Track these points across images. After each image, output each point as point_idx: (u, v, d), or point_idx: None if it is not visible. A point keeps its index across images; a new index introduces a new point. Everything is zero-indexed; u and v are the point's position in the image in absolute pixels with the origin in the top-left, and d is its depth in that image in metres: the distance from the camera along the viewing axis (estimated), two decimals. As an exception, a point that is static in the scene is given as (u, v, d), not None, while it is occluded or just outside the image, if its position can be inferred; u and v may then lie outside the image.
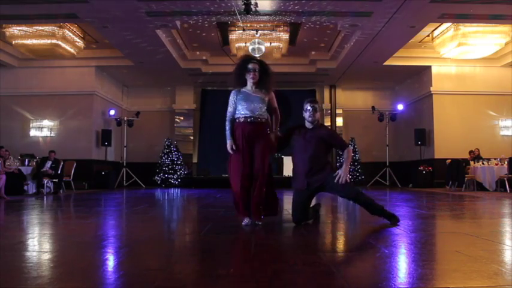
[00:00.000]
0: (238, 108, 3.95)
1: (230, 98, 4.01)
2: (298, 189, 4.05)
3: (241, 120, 3.93)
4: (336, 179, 3.87)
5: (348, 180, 3.90)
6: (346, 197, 4.03)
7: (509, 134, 12.67)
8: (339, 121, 15.02)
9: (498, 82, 12.65)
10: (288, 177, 12.92)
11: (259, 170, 3.86)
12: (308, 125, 4.08)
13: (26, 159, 10.49)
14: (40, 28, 10.23)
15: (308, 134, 4.04)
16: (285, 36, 10.82)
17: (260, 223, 3.92)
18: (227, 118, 4.03)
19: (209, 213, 5.51)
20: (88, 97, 12.76)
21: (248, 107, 3.91)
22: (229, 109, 4.01)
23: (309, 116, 4.01)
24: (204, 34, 10.95)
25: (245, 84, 4.01)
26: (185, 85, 14.74)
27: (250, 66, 3.94)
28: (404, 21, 9.11)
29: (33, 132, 12.64)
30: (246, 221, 3.93)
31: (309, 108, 4.01)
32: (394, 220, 3.89)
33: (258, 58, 4.14)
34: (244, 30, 10.36)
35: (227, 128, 4.00)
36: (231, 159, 3.97)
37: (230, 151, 3.95)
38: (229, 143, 3.95)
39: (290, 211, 4.28)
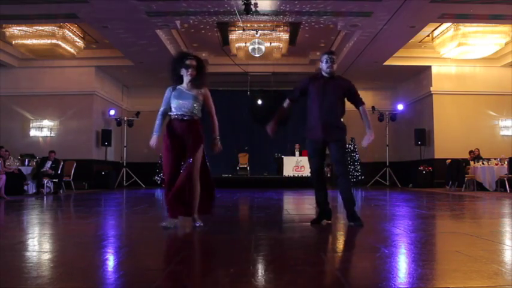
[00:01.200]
0: (172, 105, 3.81)
1: (165, 95, 3.89)
2: (314, 142, 3.91)
3: (173, 118, 3.80)
4: (364, 141, 3.87)
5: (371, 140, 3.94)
6: (336, 169, 3.95)
7: (509, 134, 12.66)
8: (339, 121, 14.97)
9: (498, 82, 12.64)
10: (288, 178, 13.07)
11: (188, 163, 3.69)
12: (326, 75, 3.89)
13: (26, 159, 10.48)
14: (40, 28, 10.22)
15: (328, 84, 3.85)
16: (285, 36, 10.81)
17: (176, 220, 3.74)
18: (158, 113, 3.92)
19: (209, 213, 5.49)
20: (88, 97, 12.76)
21: (181, 104, 3.76)
22: (162, 107, 3.89)
23: (328, 67, 3.84)
24: (204, 34, 10.94)
25: (181, 81, 3.87)
26: (185, 85, 14.68)
27: (187, 62, 3.80)
28: (404, 21, 9.11)
29: (33, 132, 12.64)
30: (166, 223, 3.70)
31: (326, 58, 3.84)
32: (358, 222, 3.81)
33: (194, 54, 3.97)
34: (244, 30, 10.35)
35: (157, 122, 3.90)
36: (163, 157, 3.84)
37: (151, 145, 3.87)
38: (154, 137, 3.87)
39: (289, 211, 4.27)
